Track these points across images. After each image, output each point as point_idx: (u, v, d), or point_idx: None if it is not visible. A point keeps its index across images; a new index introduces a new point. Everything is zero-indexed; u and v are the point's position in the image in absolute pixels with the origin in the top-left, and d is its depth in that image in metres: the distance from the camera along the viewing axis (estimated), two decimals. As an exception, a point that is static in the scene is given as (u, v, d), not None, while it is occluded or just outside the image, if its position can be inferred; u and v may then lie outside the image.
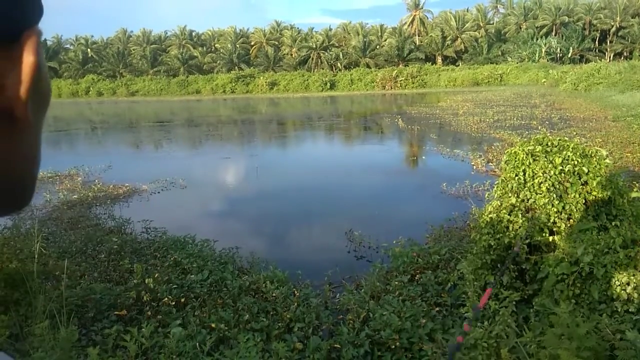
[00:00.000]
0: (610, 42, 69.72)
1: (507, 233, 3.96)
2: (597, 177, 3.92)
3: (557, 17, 70.06)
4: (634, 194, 4.26)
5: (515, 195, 4.10)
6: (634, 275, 3.17)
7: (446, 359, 3.15)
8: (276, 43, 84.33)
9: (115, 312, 4.43)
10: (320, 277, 5.48)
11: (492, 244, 3.99)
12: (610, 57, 66.87)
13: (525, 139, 4.64)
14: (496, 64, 63.44)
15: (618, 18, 67.42)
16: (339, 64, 76.17)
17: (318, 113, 34.49)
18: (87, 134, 27.57)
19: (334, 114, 33.53)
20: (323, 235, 8.13)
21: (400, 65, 68.62)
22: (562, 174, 3.98)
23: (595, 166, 3.99)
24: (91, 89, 72.29)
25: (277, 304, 4.56)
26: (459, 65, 70.28)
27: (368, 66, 71.10)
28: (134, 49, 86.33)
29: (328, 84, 63.09)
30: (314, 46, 78.34)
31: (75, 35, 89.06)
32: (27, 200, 0.46)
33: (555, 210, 3.90)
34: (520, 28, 73.17)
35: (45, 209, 9.42)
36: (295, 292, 4.90)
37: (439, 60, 75.25)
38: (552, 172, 3.98)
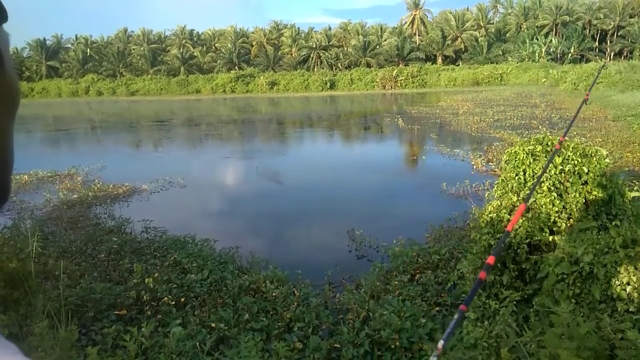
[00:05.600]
0: (611, 41, 69.68)
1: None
2: (597, 176, 3.92)
3: (558, 16, 69.99)
4: (633, 194, 4.26)
5: (516, 194, 4.10)
6: (634, 274, 3.16)
7: (446, 359, 3.14)
8: (276, 42, 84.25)
9: (115, 312, 4.43)
10: (320, 276, 5.48)
11: (492, 243, 3.98)
12: (610, 57, 66.83)
13: (526, 139, 4.63)
14: (496, 63, 63.38)
15: (618, 17, 67.38)
16: (339, 64, 76.12)
17: (318, 113, 34.47)
18: (87, 134, 27.55)
19: (334, 113, 33.51)
20: (323, 234, 8.12)
21: (401, 65, 68.57)
22: (563, 174, 3.97)
23: (596, 166, 3.98)
24: (91, 88, 72.23)
25: (277, 304, 4.55)
26: (459, 64, 70.23)
27: (368, 66, 71.06)
28: (133, 49, 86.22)
29: (328, 84, 63.02)
30: (314, 46, 78.25)
31: (75, 35, 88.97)
32: (3, 199, 0.45)
33: (555, 209, 3.90)
34: (521, 28, 73.10)
35: (45, 208, 9.42)
36: (295, 291, 4.89)
37: (439, 59, 75.18)
38: (552, 172, 3.97)
